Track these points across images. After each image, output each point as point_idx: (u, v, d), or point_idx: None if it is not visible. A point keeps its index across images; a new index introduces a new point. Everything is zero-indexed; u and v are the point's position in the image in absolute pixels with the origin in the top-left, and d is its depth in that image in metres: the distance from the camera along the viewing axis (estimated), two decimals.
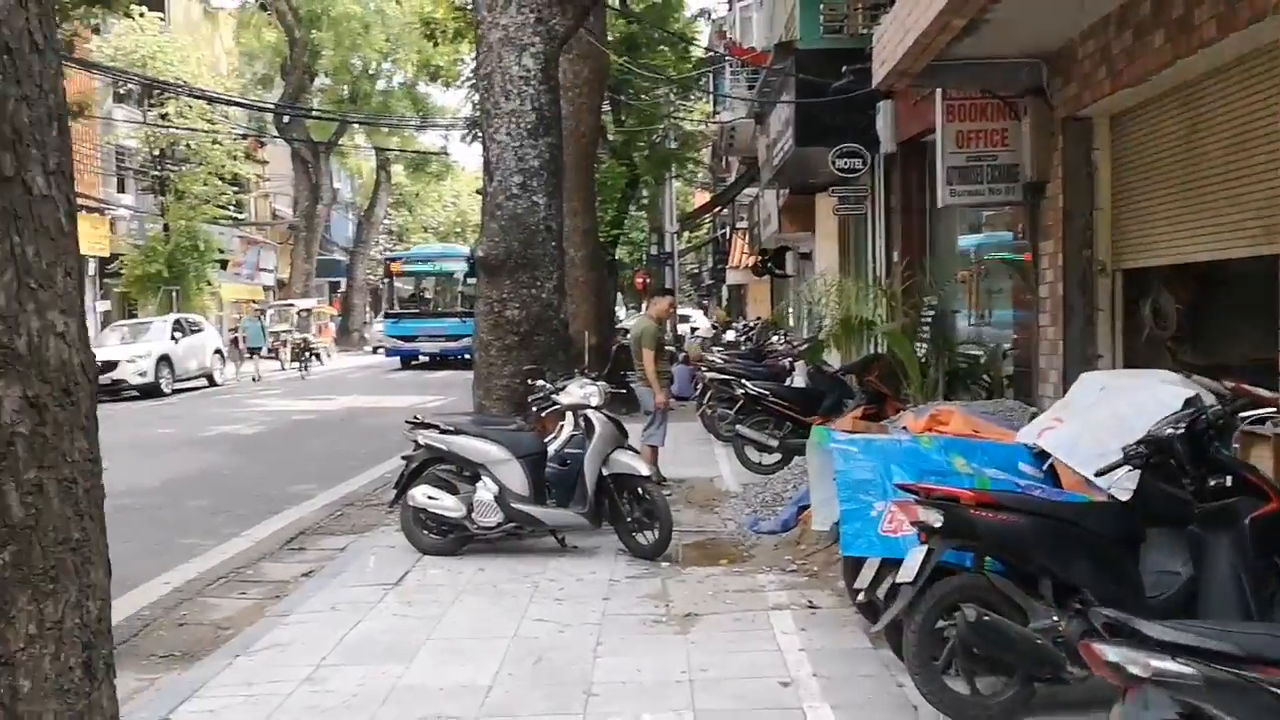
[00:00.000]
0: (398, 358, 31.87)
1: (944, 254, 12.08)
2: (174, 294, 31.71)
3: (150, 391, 23.81)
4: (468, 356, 24.83)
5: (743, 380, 11.52)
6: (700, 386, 14.39)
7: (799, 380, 13.02)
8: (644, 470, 7.72)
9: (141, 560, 7.92)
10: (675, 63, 24.51)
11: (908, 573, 4.55)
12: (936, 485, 4.77)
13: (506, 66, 9.73)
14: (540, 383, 8.65)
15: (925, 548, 4.56)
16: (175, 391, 24.71)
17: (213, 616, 6.60)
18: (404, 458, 8.19)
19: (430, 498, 7.77)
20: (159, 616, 6.57)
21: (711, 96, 27.35)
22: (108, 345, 25.11)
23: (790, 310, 24.72)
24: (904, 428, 7.15)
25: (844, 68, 11.86)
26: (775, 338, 17.56)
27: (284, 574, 7.58)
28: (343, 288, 49.35)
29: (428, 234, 56.91)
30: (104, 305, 34.26)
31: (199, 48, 35.29)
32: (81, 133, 31.09)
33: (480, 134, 10.13)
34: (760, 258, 26.16)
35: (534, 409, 8.61)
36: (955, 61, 7.74)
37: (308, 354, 31.22)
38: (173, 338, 25.22)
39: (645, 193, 32.49)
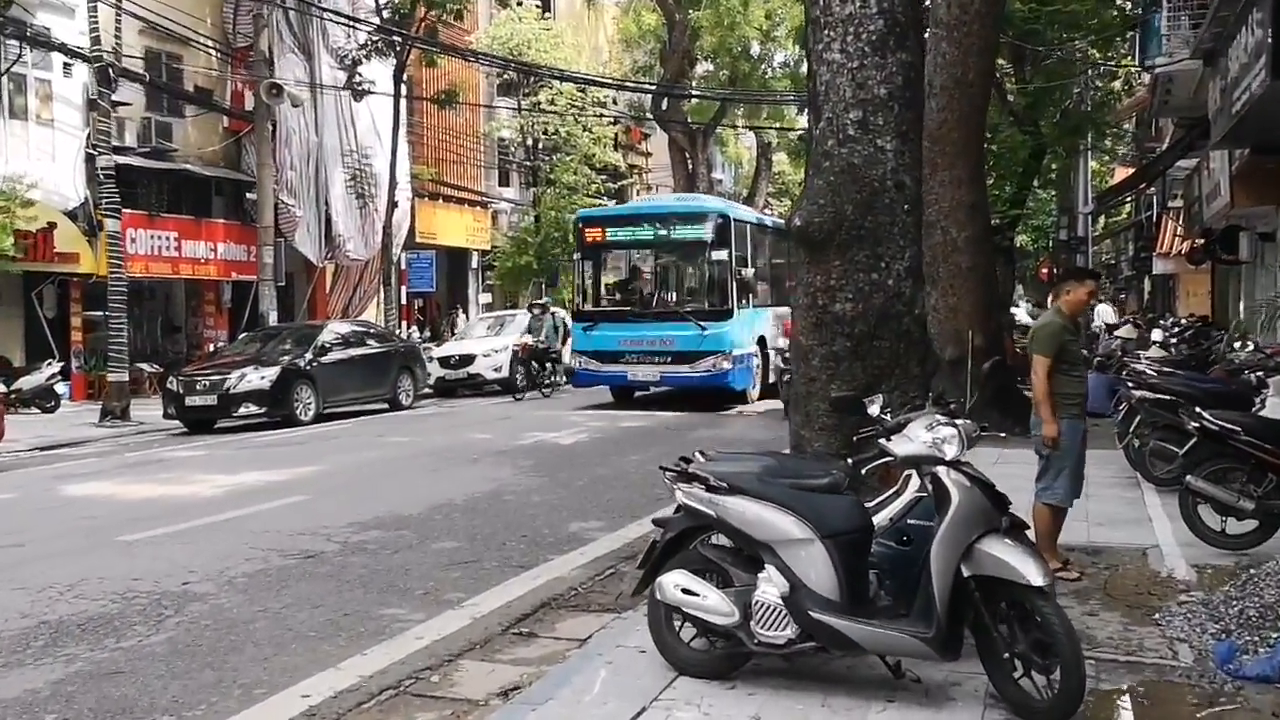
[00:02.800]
0: (602, 387, 19.65)
1: None
2: (543, 286, 31.20)
3: (508, 387, 22.94)
4: (713, 386, 17.64)
5: (1197, 409, 7.80)
6: (1125, 406, 10.64)
7: (1275, 405, 9.07)
8: (1034, 577, 4.53)
9: (310, 643, 5.80)
10: (1094, 7, 20.28)
11: None
12: None
13: None
14: (875, 411, 5.66)
15: None
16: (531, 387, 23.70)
17: None
18: (656, 522, 5.54)
19: (687, 591, 5.04)
20: None
21: (1136, 45, 22.62)
22: (471, 338, 24.68)
23: (1259, 307, 19.42)
24: None
25: None
26: (1238, 344, 13.28)
27: (478, 688, 5.14)
28: None
29: None
30: (485, 298, 34.60)
31: (576, 35, 34.81)
32: (463, 125, 31.31)
33: (808, 61, 7.27)
34: (1200, 241, 21.19)
35: (856, 457, 5.67)
36: None
37: (545, 365, 21.91)
38: (530, 331, 24.23)
39: (1054, 167, 27.99)
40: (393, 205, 24.69)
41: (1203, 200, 21.10)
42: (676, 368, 18.08)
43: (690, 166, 39.96)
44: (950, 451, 4.83)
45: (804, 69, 40.69)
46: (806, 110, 7.37)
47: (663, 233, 19.00)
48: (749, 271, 19.14)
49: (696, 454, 5.68)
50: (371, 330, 21.27)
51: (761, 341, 19.71)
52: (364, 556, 7.70)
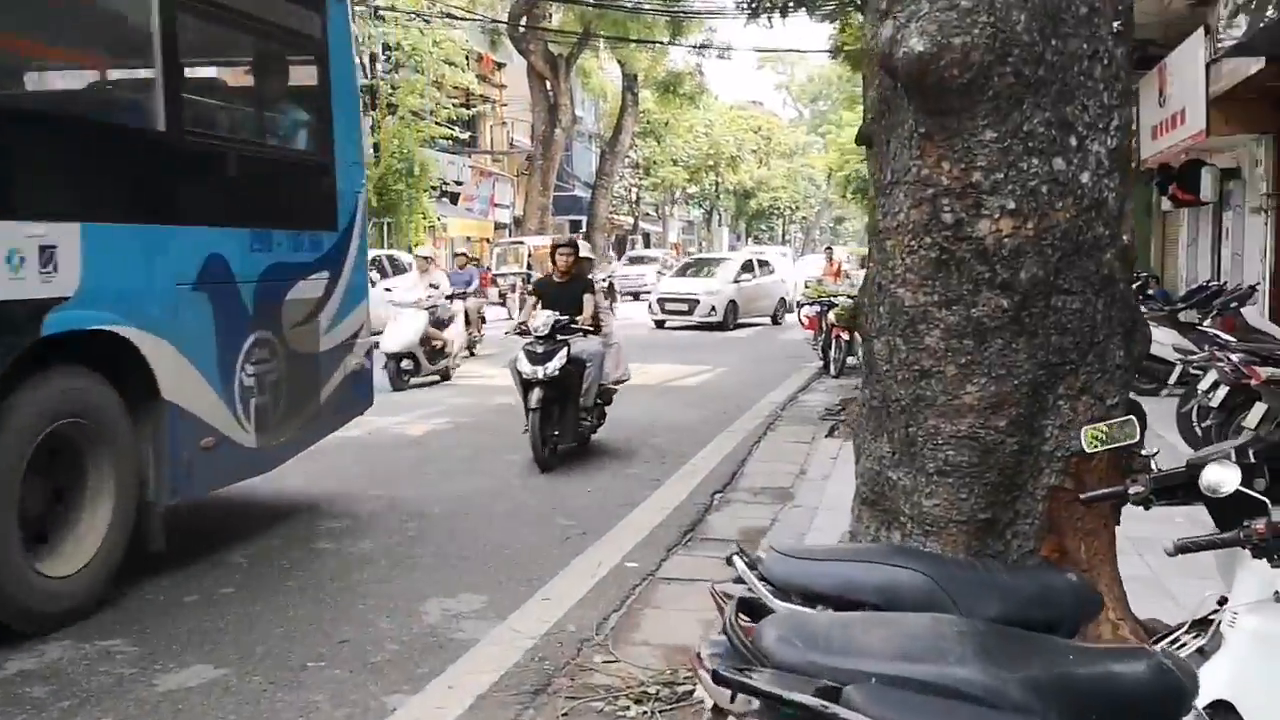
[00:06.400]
0: None
1: None
2: (385, 228, 26.98)
3: None
4: None
5: None
6: (1217, 385, 7.55)
7: None
8: None
9: None
10: None
11: None
12: None
13: None
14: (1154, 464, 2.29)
15: None
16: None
17: None
18: None
19: None
20: None
21: None
22: None
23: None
24: None
25: None
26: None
27: None
28: (584, 227, 44.20)
29: (677, 167, 50.99)
30: None
31: None
32: None
33: None
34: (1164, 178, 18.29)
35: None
36: None
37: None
38: (370, 283, 20.20)
39: None
40: None
41: (1162, 128, 18.40)
42: None
43: (552, 98, 36.05)
44: None
45: None
46: None
47: None
48: None
49: (751, 557, 2.28)
50: None
51: None
52: None
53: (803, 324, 21.08)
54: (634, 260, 43.62)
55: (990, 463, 3.42)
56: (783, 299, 26.85)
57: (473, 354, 16.70)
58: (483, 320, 18.06)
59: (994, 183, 3.31)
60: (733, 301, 24.25)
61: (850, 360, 15.56)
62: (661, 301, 24.37)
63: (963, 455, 3.42)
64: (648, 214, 57.79)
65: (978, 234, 3.33)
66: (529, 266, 30.55)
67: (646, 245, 54.67)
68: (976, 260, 3.34)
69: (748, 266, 26.05)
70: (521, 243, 33.38)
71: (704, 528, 6.88)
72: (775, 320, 26.17)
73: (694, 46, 36.03)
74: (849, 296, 15.84)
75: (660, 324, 23.86)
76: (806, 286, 22.35)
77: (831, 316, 15.37)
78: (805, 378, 15.00)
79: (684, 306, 23.86)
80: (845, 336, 15.24)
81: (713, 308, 23.67)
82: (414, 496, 7.52)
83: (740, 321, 24.64)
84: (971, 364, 3.39)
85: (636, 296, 34.80)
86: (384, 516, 6.98)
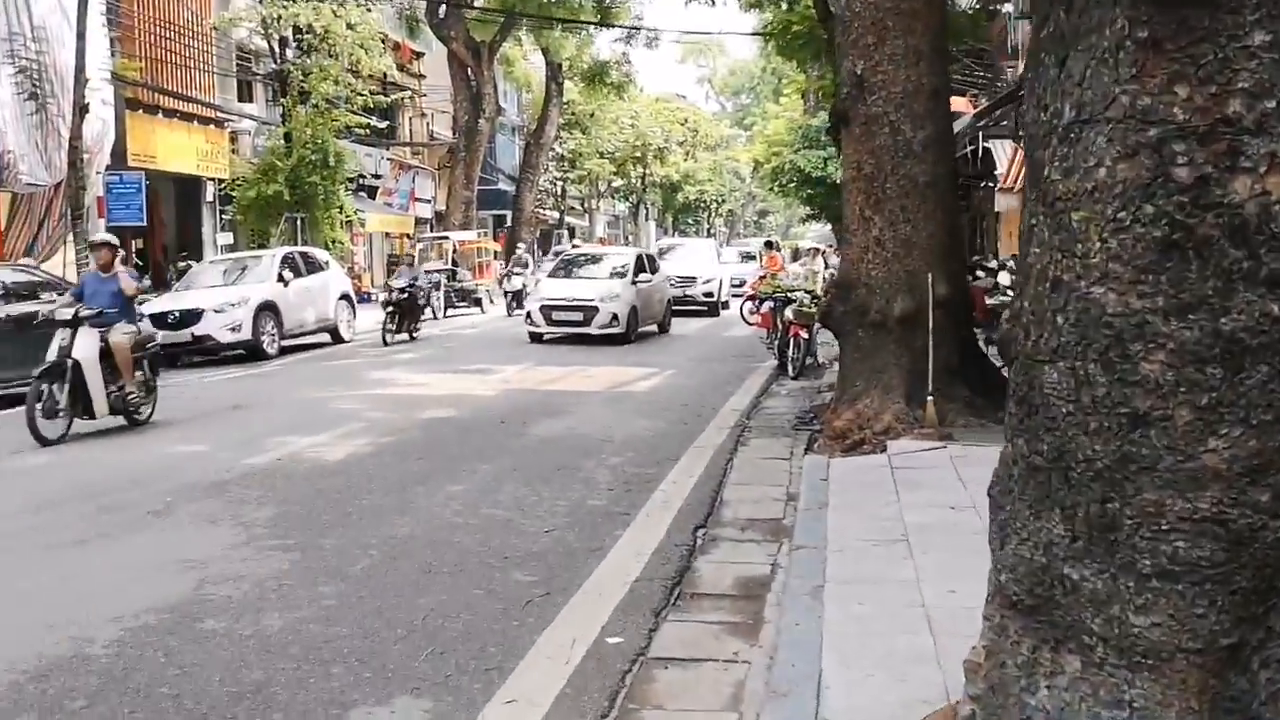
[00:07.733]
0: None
1: None
2: (299, 222, 25.25)
3: (253, 351, 17.44)
4: None
5: None
6: None
7: None
8: None
9: None
10: None
11: None
12: None
13: None
14: None
15: None
16: (285, 350, 18.20)
17: None
18: None
19: None
20: None
21: None
22: (196, 288, 18.62)
23: None
24: None
25: None
26: None
27: None
28: (508, 221, 42.64)
29: (604, 159, 49.65)
30: (225, 238, 28.14)
31: None
32: (188, 19, 24.87)
33: None
34: None
35: None
36: None
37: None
38: (281, 279, 18.57)
39: None
40: (82, 110, 18.31)
41: None
42: None
43: (475, 86, 34.52)
44: None
45: None
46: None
47: None
48: None
49: None
50: (46, 280, 15.07)
51: None
52: None
53: (748, 321, 19.89)
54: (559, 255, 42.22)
55: (1243, 559, 2.19)
56: (669, 302, 22.83)
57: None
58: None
59: (1261, 116, 2.07)
60: (634, 308, 20.00)
61: (808, 360, 14.47)
62: (546, 310, 19.82)
63: (1202, 548, 2.18)
64: (573, 208, 56.39)
65: (1233, 199, 2.10)
66: (454, 263, 29.00)
67: (571, 239, 53.25)
68: (1230, 241, 2.11)
69: (641, 265, 21.63)
70: (446, 238, 31.86)
71: (693, 578, 5.61)
72: (663, 329, 22.04)
73: (624, 27, 34.74)
74: (807, 292, 14.75)
75: (538, 337, 19.75)
76: (758, 281, 21.04)
77: (789, 314, 14.21)
78: (762, 380, 13.81)
79: (578, 315, 19.52)
80: (804, 335, 14.12)
81: (614, 315, 19.40)
82: (332, 547, 6.11)
83: (639, 332, 20.44)
84: (1219, 405, 2.15)
85: None
86: (294, 578, 5.56)
